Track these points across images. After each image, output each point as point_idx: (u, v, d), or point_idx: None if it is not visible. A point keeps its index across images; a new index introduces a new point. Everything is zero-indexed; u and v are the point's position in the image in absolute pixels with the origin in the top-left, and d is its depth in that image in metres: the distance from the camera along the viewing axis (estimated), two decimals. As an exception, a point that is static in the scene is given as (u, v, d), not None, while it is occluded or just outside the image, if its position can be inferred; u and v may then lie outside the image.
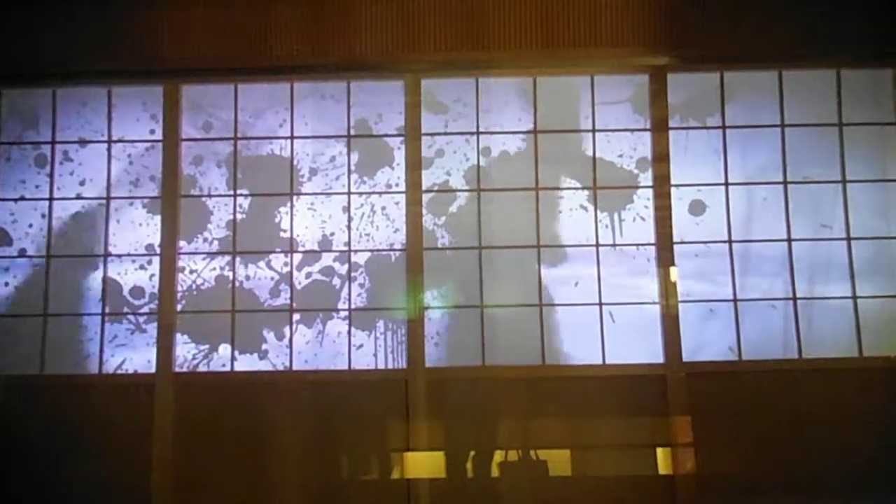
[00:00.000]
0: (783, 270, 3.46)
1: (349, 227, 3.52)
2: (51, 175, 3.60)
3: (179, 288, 3.50)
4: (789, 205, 3.49)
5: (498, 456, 3.31)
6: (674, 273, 3.40)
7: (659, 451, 3.27)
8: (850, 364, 3.31)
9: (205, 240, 3.56)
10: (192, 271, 3.53)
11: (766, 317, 3.43)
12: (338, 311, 3.49)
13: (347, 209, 3.54)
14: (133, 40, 3.53)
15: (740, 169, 3.54)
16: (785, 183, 3.52)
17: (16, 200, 3.59)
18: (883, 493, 3.17)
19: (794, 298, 3.43)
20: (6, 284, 3.51)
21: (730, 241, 3.48)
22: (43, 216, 3.58)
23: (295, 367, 3.44)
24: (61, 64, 3.52)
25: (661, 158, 3.50)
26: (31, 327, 3.47)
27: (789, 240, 3.49)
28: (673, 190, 3.50)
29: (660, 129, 3.52)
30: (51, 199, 3.58)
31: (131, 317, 3.47)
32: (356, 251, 3.53)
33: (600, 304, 3.44)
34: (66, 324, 3.47)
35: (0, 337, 3.43)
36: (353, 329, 3.48)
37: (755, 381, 3.33)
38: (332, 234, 3.56)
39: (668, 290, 3.39)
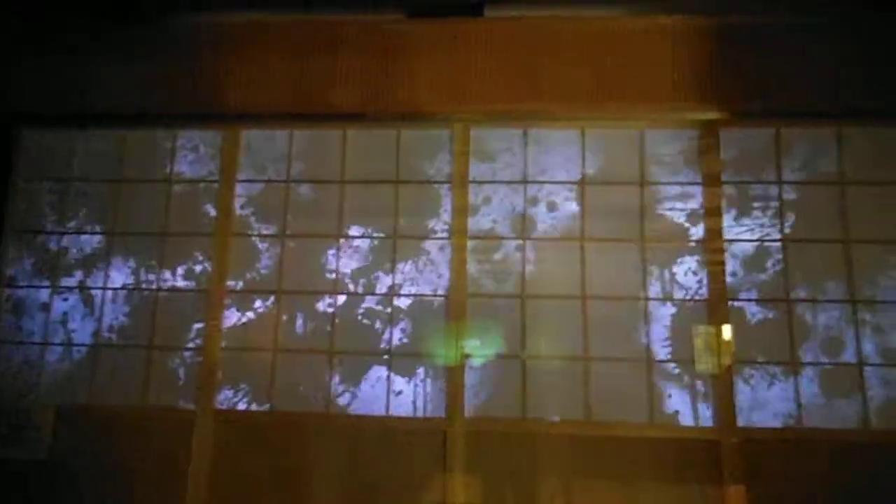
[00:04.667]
0: (848, 330, 3.01)
1: (393, 271, 3.25)
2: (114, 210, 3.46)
3: (224, 324, 3.26)
4: (853, 265, 3.06)
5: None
6: (727, 331, 2.99)
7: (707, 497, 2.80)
8: None
9: (252, 279, 3.33)
10: (237, 309, 3.30)
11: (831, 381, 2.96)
12: (378, 354, 3.18)
13: (393, 252, 3.27)
14: (197, 86, 3.42)
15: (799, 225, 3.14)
16: (845, 241, 3.10)
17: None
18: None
19: (860, 364, 2.97)
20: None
21: (788, 301, 3.06)
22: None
23: (332, 411, 3.12)
24: (125, 107, 3.43)
25: (712, 212, 3.14)
26: (86, 359, 3.27)
27: (854, 301, 3.05)
28: (727, 245, 3.12)
29: (712, 183, 3.17)
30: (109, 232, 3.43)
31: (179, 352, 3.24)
32: (399, 295, 3.25)
33: (649, 360, 3.04)
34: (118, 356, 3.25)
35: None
36: (392, 375, 3.16)
37: (814, 451, 2.85)
38: (377, 276, 3.29)
39: (721, 348, 2.98)
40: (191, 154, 3.44)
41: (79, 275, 3.35)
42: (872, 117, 3.07)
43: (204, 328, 3.19)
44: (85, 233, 3.39)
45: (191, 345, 3.20)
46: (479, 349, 3.04)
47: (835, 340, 2.95)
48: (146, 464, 3.02)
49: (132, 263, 3.33)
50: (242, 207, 3.36)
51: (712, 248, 3.05)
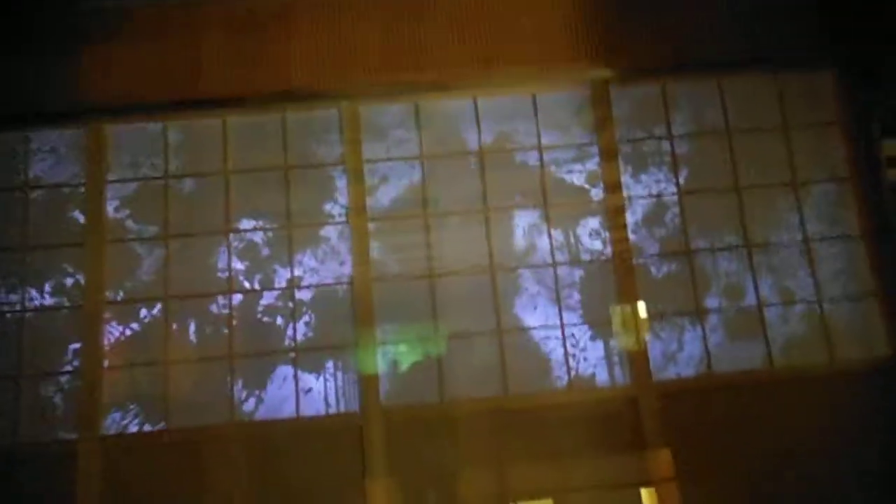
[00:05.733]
0: (747, 276, 3.03)
1: (291, 262, 2.98)
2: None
3: (105, 341, 2.88)
4: (745, 210, 3.09)
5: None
6: (642, 308, 2.92)
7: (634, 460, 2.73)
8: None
9: (133, 287, 2.96)
10: (119, 322, 2.92)
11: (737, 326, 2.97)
12: (282, 353, 2.90)
13: (289, 243, 3.00)
14: (52, 81, 3.00)
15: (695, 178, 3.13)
16: (738, 188, 3.12)
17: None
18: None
19: (760, 305, 2.99)
20: None
21: (688, 252, 3.04)
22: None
23: (237, 419, 2.82)
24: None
25: (609, 171, 3.08)
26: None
27: (748, 246, 3.07)
28: (626, 202, 3.06)
29: (607, 142, 3.11)
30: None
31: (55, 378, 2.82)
32: (300, 288, 2.98)
33: (562, 325, 2.94)
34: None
35: None
36: (299, 373, 2.89)
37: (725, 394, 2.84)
38: (274, 270, 3.00)
39: (637, 322, 2.92)
40: (50, 157, 3.01)
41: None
42: (750, 67, 3.09)
43: (81, 348, 2.79)
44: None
45: (67, 368, 2.80)
46: (390, 335, 2.83)
47: (735, 286, 2.96)
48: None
49: (-13, 284, 2.88)
50: (116, 210, 2.97)
51: (613, 207, 2.99)
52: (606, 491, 2.63)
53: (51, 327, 2.83)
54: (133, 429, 2.74)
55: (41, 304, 2.85)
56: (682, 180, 3.02)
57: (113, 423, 2.74)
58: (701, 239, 2.98)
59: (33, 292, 2.87)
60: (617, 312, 2.86)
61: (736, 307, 2.91)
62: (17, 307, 2.85)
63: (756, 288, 2.92)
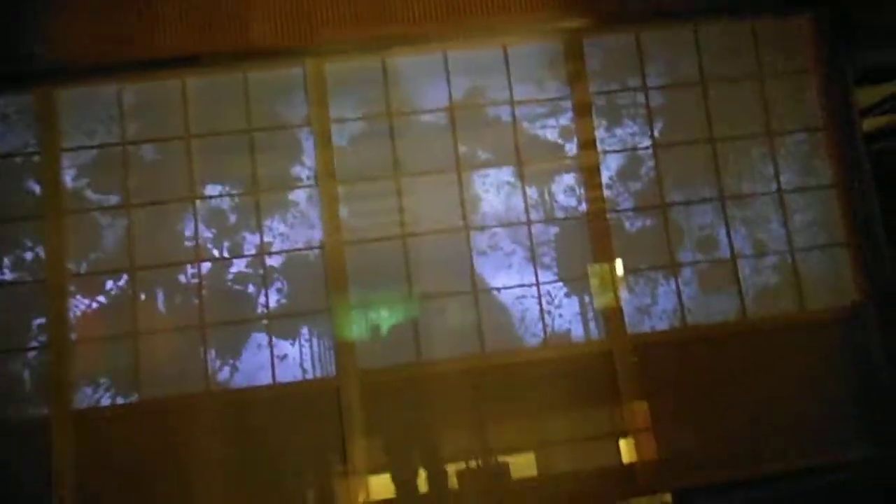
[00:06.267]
0: (721, 228, 3.01)
1: (260, 228, 2.89)
2: None
3: (71, 314, 2.79)
4: (718, 161, 3.04)
5: (446, 465, 2.74)
6: (619, 266, 2.90)
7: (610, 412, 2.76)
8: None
9: (97, 259, 2.85)
10: (84, 295, 2.82)
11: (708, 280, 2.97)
12: (255, 320, 2.85)
13: (257, 207, 2.90)
14: (-4, 43, 2.80)
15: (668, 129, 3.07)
16: (713, 140, 3.07)
17: None
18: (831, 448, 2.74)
19: (733, 257, 2.99)
20: None
21: (663, 206, 3.01)
22: None
23: (213, 388, 2.78)
24: None
25: (583, 125, 3.00)
26: None
27: (722, 198, 3.05)
28: (601, 156, 3.00)
29: (580, 95, 3.02)
30: None
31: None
32: (271, 254, 2.90)
33: (537, 283, 2.91)
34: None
35: None
36: (274, 339, 2.84)
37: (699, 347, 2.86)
38: (243, 237, 2.91)
39: (614, 281, 2.89)
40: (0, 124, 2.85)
41: None
42: (726, 13, 3.00)
43: (47, 322, 2.70)
44: None
45: (34, 343, 2.71)
46: (364, 298, 2.78)
47: (709, 239, 2.94)
48: (2, 483, 2.55)
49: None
50: (74, 180, 2.83)
51: (587, 163, 2.92)
52: (585, 442, 2.65)
53: (13, 303, 2.72)
54: (106, 402, 2.68)
55: (1, 280, 2.73)
56: (656, 133, 2.96)
57: (85, 397, 2.68)
58: (675, 192, 2.94)
59: (-8, 267, 2.74)
60: (592, 269, 2.82)
61: (709, 259, 2.89)
62: (-24, 283, 2.73)
63: (730, 240, 2.91)
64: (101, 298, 2.78)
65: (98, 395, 2.71)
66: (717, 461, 2.68)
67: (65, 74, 2.81)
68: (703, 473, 2.67)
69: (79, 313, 2.74)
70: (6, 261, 2.77)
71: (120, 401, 2.71)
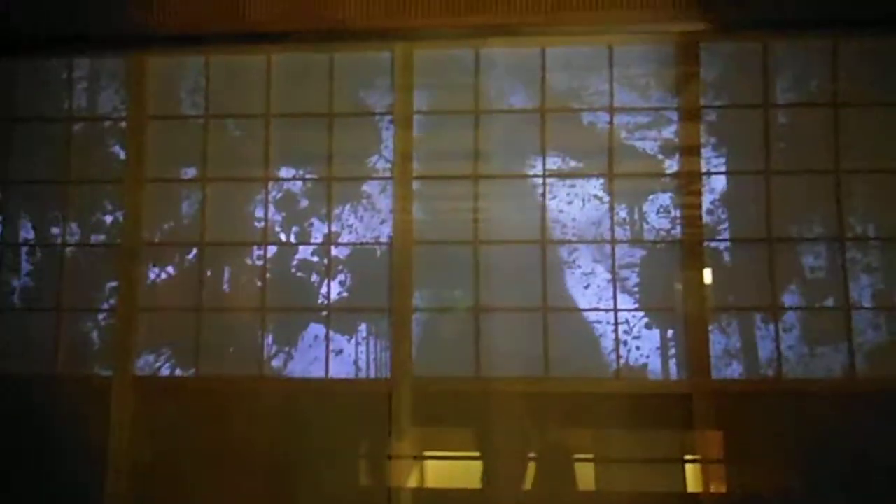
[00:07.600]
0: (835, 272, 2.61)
1: (329, 216, 2.77)
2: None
3: (141, 281, 2.79)
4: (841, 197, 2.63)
5: (492, 489, 2.54)
6: (706, 276, 2.57)
7: (681, 466, 2.47)
8: None
9: (170, 230, 2.83)
10: (155, 264, 2.81)
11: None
12: (315, 311, 2.74)
13: (329, 196, 2.78)
14: (97, 6, 2.80)
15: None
16: (838, 170, 2.65)
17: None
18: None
19: (849, 308, 2.58)
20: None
21: (770, 239, 2.64)
22: None
23: (266, 374, 2.71)
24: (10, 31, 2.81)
25: (690, 141, 2.66)
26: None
27: (842, 238, 2.63)
28: (705, 176, 2.66)
29: (690, 107, 2.67)
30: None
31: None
32: (337, 244, 2.78)
33: (615, 309, 2.63)
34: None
35: None
36: (331, 333, 2.73)
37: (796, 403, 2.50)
38: (311, 224, 2.80)
39: (697, 295, 2.57)
40: (91, 86, 2.86)
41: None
42: (870, 28, 2.55)
43: (119, 287, 2.71)
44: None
45: (105, 306, 2.73)
46: (427, 301, 2.60)
47: (821, 283, 2.55)
48: (61, 437, 2.60)
49: (31, 216, 2.81)
50: (156, 148, 2.81)
51: (688, 183, 2.59)
52: (647, 497, 2.38)
53: (90, 264, 2.74)
54: (165, 372, 2.66)
55: (81, 240, 2.76)
56: (772, 156, 2.58)
57: (146, 364, 2.67)
58: (787, 226, 2.57)
59: (74, 227, 2.77)
60: (679, 300, 2.51)
61: (818, 306, 2.51)
62: (58, 241, 2.77)
63: (846, 287, 2.51)
64: (171, 269, 2.75)
65: (159, 364, 2.70)
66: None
67: (156, 42, 2.76)
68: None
69: (148, 281, 2.72)
70: (88, 222, 2.78)
71: (178, 373, 2.68)
